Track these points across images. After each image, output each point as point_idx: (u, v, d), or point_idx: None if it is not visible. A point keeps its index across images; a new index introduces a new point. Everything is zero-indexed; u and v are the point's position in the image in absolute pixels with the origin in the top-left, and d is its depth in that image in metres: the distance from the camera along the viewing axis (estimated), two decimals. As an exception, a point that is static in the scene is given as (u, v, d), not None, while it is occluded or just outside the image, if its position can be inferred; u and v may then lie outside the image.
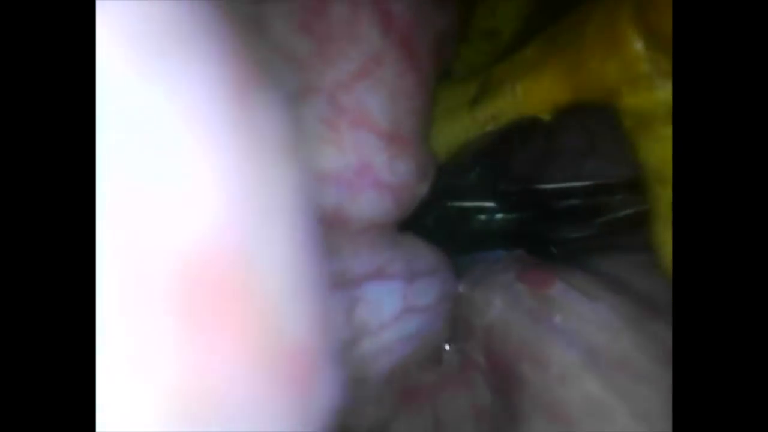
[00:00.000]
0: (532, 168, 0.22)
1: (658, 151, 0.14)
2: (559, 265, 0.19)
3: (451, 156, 0.20)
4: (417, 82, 0.17)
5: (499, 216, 0.23)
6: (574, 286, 0.17)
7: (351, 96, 0.16)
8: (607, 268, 0.19)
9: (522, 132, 0.20)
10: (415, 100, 0.17)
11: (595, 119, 0.20)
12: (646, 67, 0.14)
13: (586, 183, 0.22)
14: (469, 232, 0.23)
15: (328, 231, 0.16)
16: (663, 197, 0.15)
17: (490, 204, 0.23)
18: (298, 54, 0.15)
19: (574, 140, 0.22)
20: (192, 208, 0.06)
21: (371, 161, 0.17)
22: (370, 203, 0.17)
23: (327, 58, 0.15)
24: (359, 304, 0.17)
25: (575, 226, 0.22)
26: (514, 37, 0.19)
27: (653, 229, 0.15)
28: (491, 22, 0.18)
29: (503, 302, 0.19)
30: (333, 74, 0.15)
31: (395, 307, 0.18)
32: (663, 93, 0.14)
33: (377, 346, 0.18)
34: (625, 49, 0.14)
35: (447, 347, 0.20)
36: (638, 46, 0.14)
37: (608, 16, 0.15)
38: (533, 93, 0.17)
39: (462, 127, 0.19)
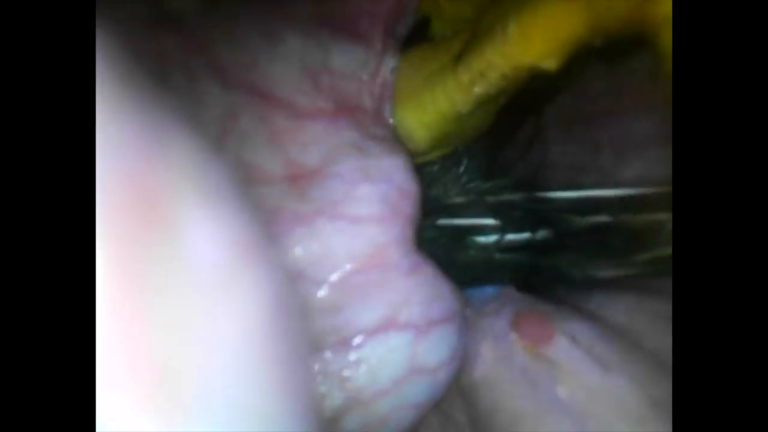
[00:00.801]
0: (537, 167, 0.17)
1: None
2: (559, 311, 0.15)
3: (434, 140, 0.16)
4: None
5: (507, 238, 0.18)
6: (580, 345, 0.14)
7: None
8: (621, 317, 0.15)
9: (522, 105, 0.15)
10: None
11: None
12: None
13: (617, 192, 0.17)
14: (464, 261, 0.18)
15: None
16: None
17: (489, 221, 0.18)
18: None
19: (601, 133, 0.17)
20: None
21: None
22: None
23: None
24: (355, 367, 0.14)
25: (609, 261, 0.17)
26: None
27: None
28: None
29: (494, 355, 0.15)
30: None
31: (399, 369, 0.14)
32: None
33: (367, 419, 0.14)
34: None
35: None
36: None
37: None
38: (532, 28, 0.12)
39: (445, 95, 0.15)
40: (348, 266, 0.13)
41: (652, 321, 0.14)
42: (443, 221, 0.18)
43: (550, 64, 0.13)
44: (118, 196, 0.06)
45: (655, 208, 0.16)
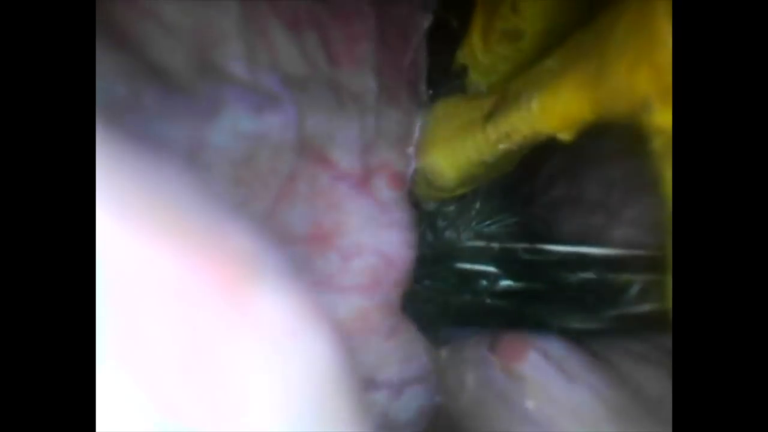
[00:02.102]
0: (546, 222, 0.19)
1: None
2: (536, 335, 0.16)
3: (461, 181, 0.17)
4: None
5: (502, 283, 0.20)
6: (551, 360, 0.15)
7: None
8: (596, 347, 0.16)
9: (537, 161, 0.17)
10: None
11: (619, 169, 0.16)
12: None
13: (606, 251, 0.18)
14: (458, 304, 0.20)
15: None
16: None
17: (492, 269, 0.20)
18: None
19: (593, 190, 0.19)
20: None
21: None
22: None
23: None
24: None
25: (583, 315, 0.19)
26: (539, 39, 0.16)
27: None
28: (513, 22, 0.15)
29: (476, 383, 0.16)
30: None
31: (371, 426, 0.15)
32: None
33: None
34: (660, 51, 0.11)
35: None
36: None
37: (641, 12, 0.12)
38: (551, 108, 0.14)
39: (474, 146, 0.17)
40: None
41: (624, 355, 0.15)
42: (452, 265, 0.20)
43: (565, 136, 0.14)
44: (203, 283, 0.09)
45: (632, 269, 0.18)
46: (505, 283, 0.19)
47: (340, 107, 0.15)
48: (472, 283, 0.19)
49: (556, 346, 0.15)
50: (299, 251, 0.15)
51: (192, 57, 0.13)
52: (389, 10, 0.16)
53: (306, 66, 0.15)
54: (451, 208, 0.19)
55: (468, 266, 0.19)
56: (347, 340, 0.14)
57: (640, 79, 0.12)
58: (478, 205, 0.18)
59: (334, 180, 0.14)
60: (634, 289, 0.17)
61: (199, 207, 0.09)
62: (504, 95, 0.16)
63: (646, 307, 0.17)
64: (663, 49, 0.11)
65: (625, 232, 0.17)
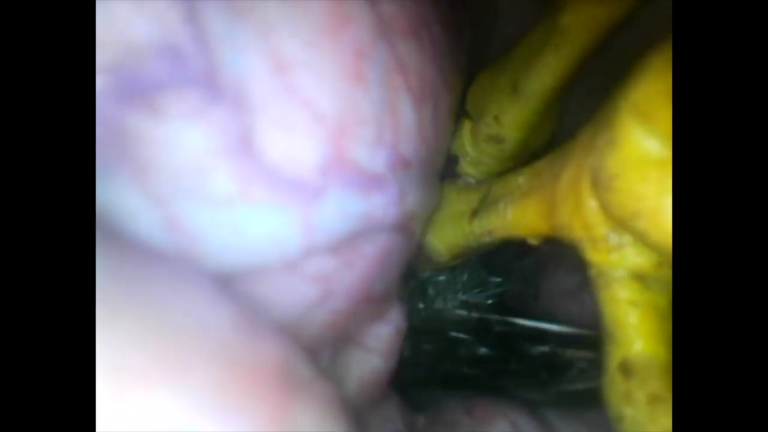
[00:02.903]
0: (521, 299, 0.20)
1: (611, 311, 0.14)
2: (508, 402, 0.17)
3: (453, 256, 0.19)
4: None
5: (479, 352, 0.21)
6: (516, 428, 0.16)
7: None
8: (552, 419, 0.17)
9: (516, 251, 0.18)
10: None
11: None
12: (604, 231, 0.13)
13: (560, 328, 0.20)
14: (442, 372, 0.22)
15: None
16: (612, 356, 0.14)
17: (470, 338, 0.21)
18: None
19: (565, 276, 0.20)
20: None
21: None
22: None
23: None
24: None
25: (539, 387, 0.20)
26: (520, 143, 0.18)
27: (603, 383, 0.14)
28: (496, 129, 0.17)
29: None
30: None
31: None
32: (621, 259, 0.13)
33: None
34: (585, 212, 0.13)
35: None
36: (596, 213, 0.13)
37: (575, 177, 0.14)
38: (520, 220, 0.16)
39: (463, 234, 0.19)
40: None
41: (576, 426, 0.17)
42: (439, 333, 0.21)
43: (534, 241, 0.16)
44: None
45: (580, 346, 0.19)
46: (482, 351, 0.20)
47: (431, 184, 0.16)
48: (455, 350, 0.21)
49: (521, 415, 0.16)
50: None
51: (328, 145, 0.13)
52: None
53: (418, 143, 0.15)
54: (441, 278, 0.20)
55: (453, 334, 0.21)
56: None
57: (576, 225, 0.14)
58: (465, 277, 0.20)
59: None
60: (579, 366, 0.18)
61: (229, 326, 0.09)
62: (486, 197, 0.17)
63: (586, 384, 0.18)
64: (588, 213, 0.13)
65: (578, 310, 0.18)
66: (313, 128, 0.11)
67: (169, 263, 0.11)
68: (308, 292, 0.14)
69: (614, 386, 0.13)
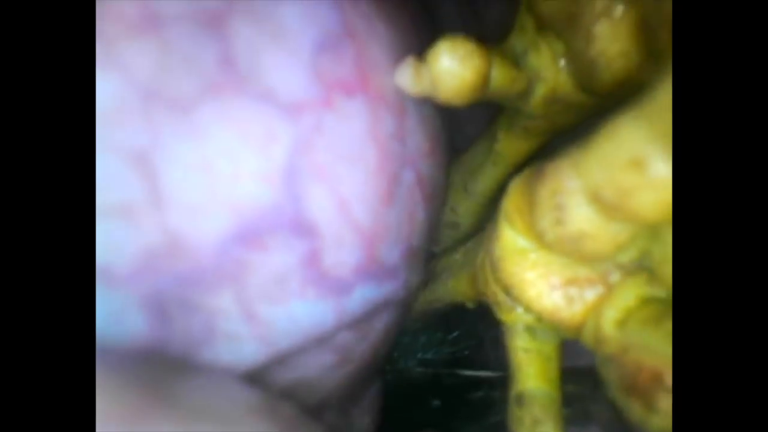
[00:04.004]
0: (468, 350, 0.25)
1: (512, 356, 0.17)
2: None
3: (416, 319, 0.23)
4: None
5: (433, 403, 0.25)
6: None
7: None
8: None
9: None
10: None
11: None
12: (502, 297, 0.17)
13: (495, 374, 0.24)
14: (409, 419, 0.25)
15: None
16: (511, 390, 0.17)
17: (424, 392, 0.25)
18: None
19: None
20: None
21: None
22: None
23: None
24: None
25: (477, 422, 0.24)
26: (472, 229, 0.22)
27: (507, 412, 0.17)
28: (453, 217, 0.22)
29: None
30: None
31: None
32: (515, 317, 0.17)
33: None
34: (489, 284, 0.17)
35: None
36: (494, 284, 0.17)
37: (482, 258, 0.17)
38: (457, 287, 0.20)
39: (418, 301, 0.22)
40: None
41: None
42: (399, 390, 0.25)
43: (470, 304, 0.20)
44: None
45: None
46: (435, 403, 0.24)
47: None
48: (412, 403, 0.24)
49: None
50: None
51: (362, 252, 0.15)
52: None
53: (425, 234, 0.18)
54: (405, 339, 0.24)
55: (411, 391, 0.24)
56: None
57: (487, 294, 0.17)
58: (424, 338, 0.24)
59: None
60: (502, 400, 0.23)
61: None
62: (434, 271, 0.22)
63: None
64: (491, 283, 0.17)
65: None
66: (354, 241, 0.14)
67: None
68: (329, 359, 0.18)
69: (511, 413, 0.17)
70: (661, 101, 0.10)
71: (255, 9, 0.11)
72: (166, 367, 0.12)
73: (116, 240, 0.11)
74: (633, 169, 0.11)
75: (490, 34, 0.20)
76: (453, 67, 0.14)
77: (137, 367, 0.11)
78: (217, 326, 0.14)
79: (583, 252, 0.13)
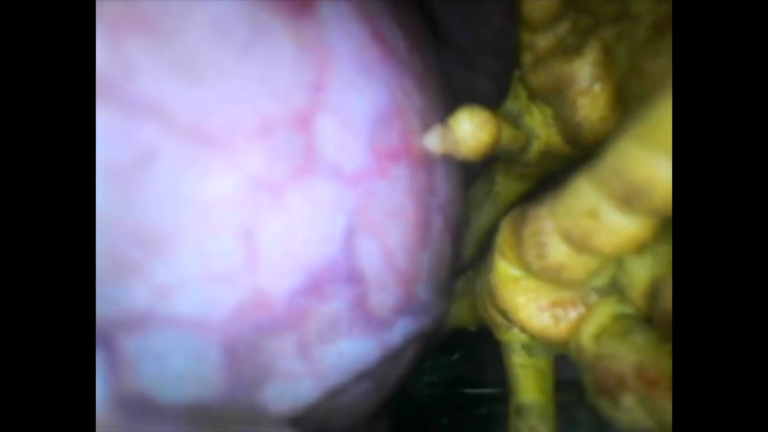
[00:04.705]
0: (472, 370, 0.27)
1: (510, 372, 0.19)
2: None
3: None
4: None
5: (442, 422, 0.26)
6: None
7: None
8: None
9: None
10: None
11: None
12: (500, 320, 0.19)
13: (491, 390, 0.27)
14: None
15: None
16: (511, 403, 0.19)
17: (434, 410, 0.27)
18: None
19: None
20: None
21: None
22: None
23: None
24: None
25: None
26: (471, 259, 0.24)
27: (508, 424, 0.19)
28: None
29: None
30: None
31: None
32: (512, 337, 0.19)
33: None
34: (488, 308, 0.19)
35: None
36: (492, 308, 0.19)
37: (479, 285, 0.19)
38: (459, 312, 0.22)
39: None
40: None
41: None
42: (409, 409, 0.27)
43: (472, 328, 0.22)
44: None
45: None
46: (444, 421, 0.26)
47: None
48: (423, 422, 0.26)
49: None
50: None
51: (402, 293, 0.17)
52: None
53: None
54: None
55: (421, 411, 0.26)
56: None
57: (487, 317, 0.19)
58: (430, 363, 0.27)
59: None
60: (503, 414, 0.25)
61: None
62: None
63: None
64: (489, 308, 0.18)
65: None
66: (395, 284, 0.16)
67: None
68: (370, 385, 0.20)
69: (511, 424, 0.19)
70: (610, 164, 0.12)
71: (332, 101, 0.13)
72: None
73: (216, 298, 0.12)
74: (590, 217, 0.14)
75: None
76: (473, 132, 0.17)
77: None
78: (278, 366, 0.15)
79: (562, 279, 0.16)
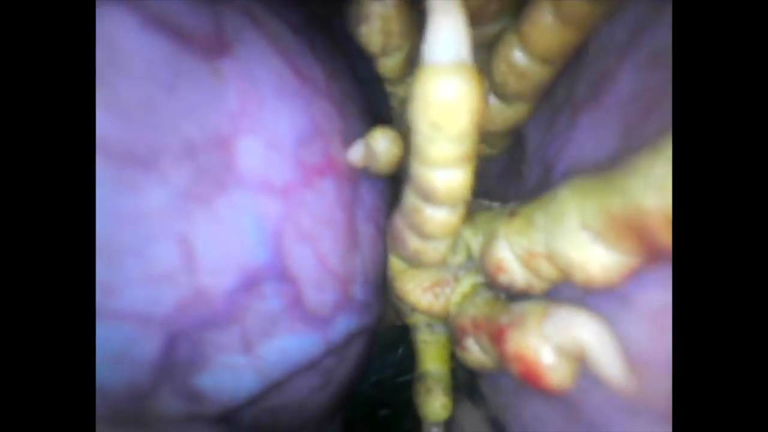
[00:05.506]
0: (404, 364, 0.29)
1: (417, 347, 0.23)
2: None
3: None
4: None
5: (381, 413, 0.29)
6: None
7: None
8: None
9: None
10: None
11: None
12: (407, 309, 0.23)
13: None
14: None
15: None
16: (416, 371, 0.23)
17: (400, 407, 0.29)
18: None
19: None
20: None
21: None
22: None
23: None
24: None
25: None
26: None
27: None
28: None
29: None
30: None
31: None
32: (416, 318, 0.22)
33: None
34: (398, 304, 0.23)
35: None
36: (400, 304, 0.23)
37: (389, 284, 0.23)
38: (388, 310, 0.25)
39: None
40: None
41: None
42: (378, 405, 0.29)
43: (398, 322, 0.25)
44: None
45: None
46: (383, 413, 0.28)
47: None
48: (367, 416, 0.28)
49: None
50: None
51: (339, 293, 0.19)
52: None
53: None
54: (374, 362, 0.29)
55: (365, 409, 0.28)
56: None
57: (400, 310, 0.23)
58: (378, 363, 0.29)
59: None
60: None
61: None
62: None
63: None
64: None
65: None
66: (333, 285, 0.19)
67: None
68: (315, 382, 0.21)
69: (415, 387, 0.22)
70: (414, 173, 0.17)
71: (256, 125, 0.15)
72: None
73: (160, 296, 0.14)
74: (416, 213, 0.18)
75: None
76: (387, 147, 0.19)
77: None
78: (218, 357, 0.17)
79: (424, 262, 0.19)
